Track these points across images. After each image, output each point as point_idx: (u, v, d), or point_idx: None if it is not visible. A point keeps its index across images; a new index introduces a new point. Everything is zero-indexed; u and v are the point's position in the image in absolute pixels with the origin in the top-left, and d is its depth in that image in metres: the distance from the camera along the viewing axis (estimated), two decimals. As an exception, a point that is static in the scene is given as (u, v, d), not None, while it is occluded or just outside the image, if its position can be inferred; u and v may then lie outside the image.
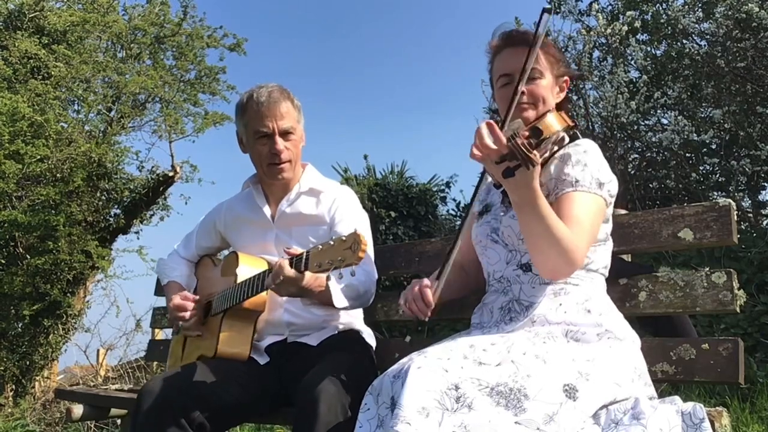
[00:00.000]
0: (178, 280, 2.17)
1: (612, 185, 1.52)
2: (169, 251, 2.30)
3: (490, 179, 1.69)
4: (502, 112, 1.60)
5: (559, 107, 1.62)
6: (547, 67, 1.60)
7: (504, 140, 1.28)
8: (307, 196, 2.02)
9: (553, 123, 1.44)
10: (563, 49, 6.54)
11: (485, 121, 1.32)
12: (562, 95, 1.64)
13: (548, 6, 1.47)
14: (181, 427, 1.63)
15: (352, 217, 1.97)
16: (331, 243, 1.54)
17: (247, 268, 1.90)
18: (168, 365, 2.21)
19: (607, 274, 1.59)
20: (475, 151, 1.32)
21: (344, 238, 1.51)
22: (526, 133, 1.33)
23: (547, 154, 1.52)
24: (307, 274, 1.63)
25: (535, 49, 1.47)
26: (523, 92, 1.54)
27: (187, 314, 1.98)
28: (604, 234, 1.56)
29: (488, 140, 1.30)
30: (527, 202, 1.34)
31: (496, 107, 1.69)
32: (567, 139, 1.52)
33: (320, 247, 1.56)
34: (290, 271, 1.62)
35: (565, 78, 1.65)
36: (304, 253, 1.60)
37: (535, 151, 1.26)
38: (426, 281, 1.57)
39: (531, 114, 1.55)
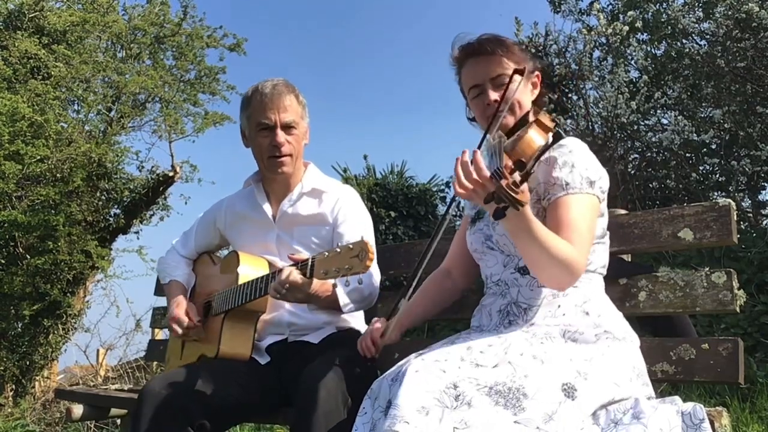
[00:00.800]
0: (180, 280, 2.15)
1: (603, 181, 1.51)
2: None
3: None
4: (480, 121, 1.60)
5: (537, 104, 1.61)
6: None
7: (487, 180, 1.24)
8: (309, 197, 2.00)
9: (534, 139, 1.38)
10: (563, 49, 6.53)
11: (462, 158, 1.29)
12: (537, 91, 1.63)
13: (520, 68, 1.51)
14: (181, 426, 1.63)
15: (355, 218, 1.96)
16: (338, 250, 1.52)
17: (249, 268, 1.89)
18: (167, 363, 2.21)
19: (605, 273, 1.58)
20: (460, 190, 1.29)
21: (351, 246, 1.50)
22: (511, 166, 1.27)
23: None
24: (315, 280, 1.62)
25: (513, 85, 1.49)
26: (496, 101, 1.53)
27: (180, 331, 1.98)
28: (600, 230, 1.55)
29: (467, 182, 1.27)
30: (521, 230, 1.33)
31: (472, 116, 1.67)
32: (551, 140, 1.51)
33: (326, 254, 1.55)
34: (298, 278, 1.61)
35: (536, 73, 1.63)
36: (309, 260, 1.59)
37: (522, 188, 1.21)
38: (377, 323, 1.69)
39: (510, 120, 1.54)
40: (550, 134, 1.49)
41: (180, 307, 2.01)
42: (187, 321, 1.98)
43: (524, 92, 1.57)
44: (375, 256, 1.97)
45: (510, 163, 1.28)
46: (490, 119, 1.51)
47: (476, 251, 1.64)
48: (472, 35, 1.62)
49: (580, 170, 1.47)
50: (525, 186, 1.23)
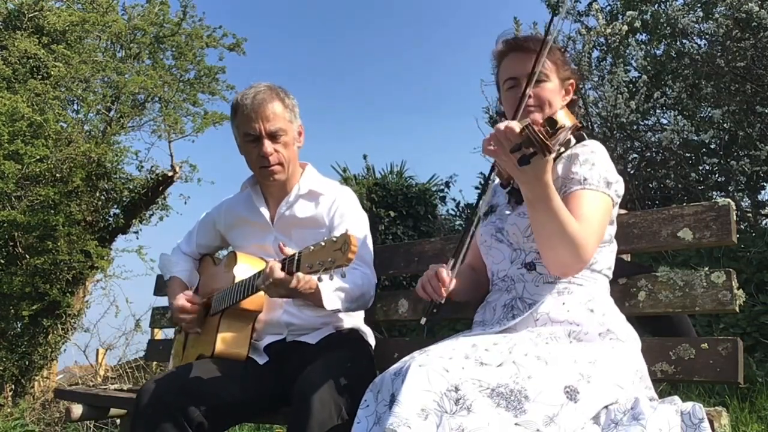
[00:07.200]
0: (180, 276, 2.16)
1: (619, 186, 1.53)
2: (168, 251, 2.30)
3: (497, 181, 1.69)
4: (510, 115, 1.61)
5: (568, 109, 1.62)
6: (553, 70, 1.61)
7: (518, 129, 1.27)
8: (306, 199, 2.00)
9: (564, 118, 1.44)
10: (563, 49, 6.53)
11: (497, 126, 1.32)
12: (568, 98, 1.65)
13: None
14: (179, 426, 1.64)
15: (350, 219, 1.96)
16: (322, 244, 1.53)
17: (245, 268, 1.89)
18: (171, 365, 2.21)
19: (611, 276, 1.59)
20: (488, 146, 1.32)
21: (335, 239, 1.50)
22: (541, 121, 1.32)
23: (554, 154, 1.53)
24: (297, 276, 1.61)
25: (544, 51, 1.48)
26: (529, 95, 1.54)
27: (189, 317, 1.98)
28: (608, 235, 1.56)
29: (503, 130, 1.29)
30: (540, 197, 1.35)
31: (502, 110, 1.69)
32: (573, 141, 1.52)
33: (311, 248, 1.55)
34: (279, 274, 1.61)
35: (571, 81, 1.66)
36: (296, 255, 1.59)
37: (551, 140, 1.25)
38: (442, 266, 1.56)
39: (537, 117, 1.54)
40: (572, 136, 1.51)
41: (180, 299, 2.00)
42: (191, 306, 1.97)
43: (556, 94, 1.60)
44: (371, 253, 2.00)
45: (541, 121, 1.31)
46: (519, 111, 1.52)
47: (484, 243, 1.65)
48: (514, 31, 1.65)
49: (599, 170, 1.50)
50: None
